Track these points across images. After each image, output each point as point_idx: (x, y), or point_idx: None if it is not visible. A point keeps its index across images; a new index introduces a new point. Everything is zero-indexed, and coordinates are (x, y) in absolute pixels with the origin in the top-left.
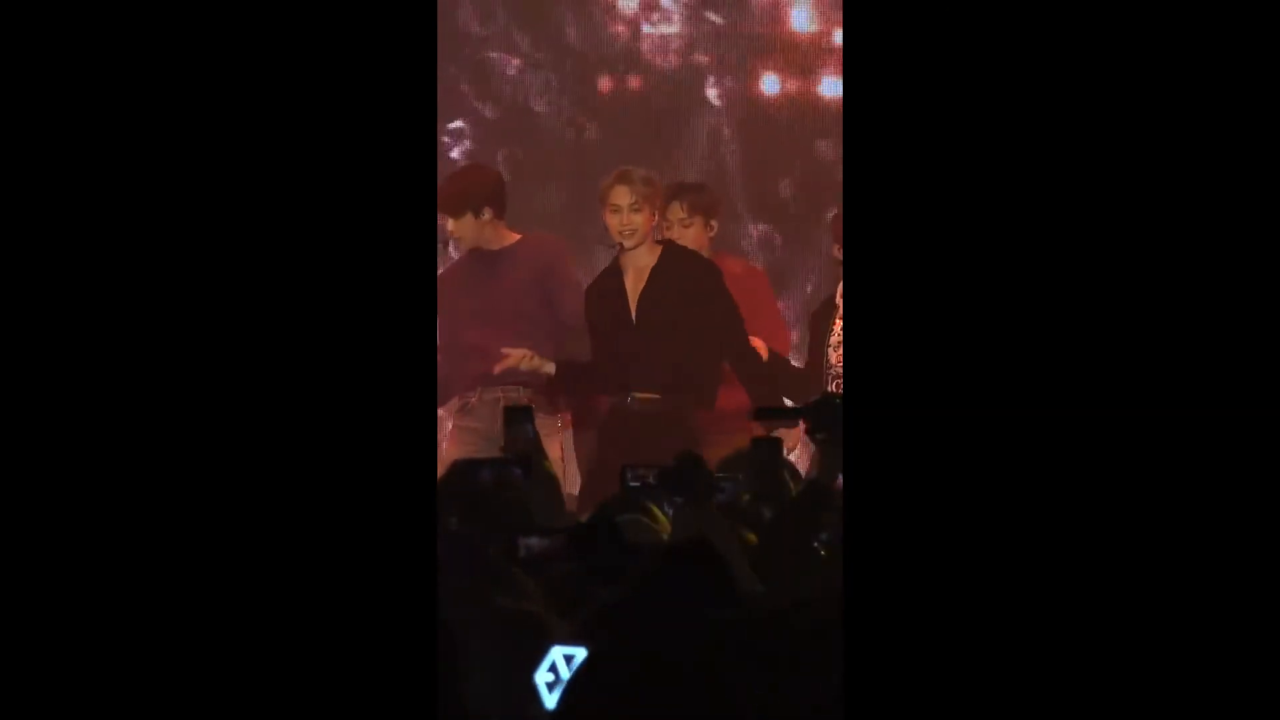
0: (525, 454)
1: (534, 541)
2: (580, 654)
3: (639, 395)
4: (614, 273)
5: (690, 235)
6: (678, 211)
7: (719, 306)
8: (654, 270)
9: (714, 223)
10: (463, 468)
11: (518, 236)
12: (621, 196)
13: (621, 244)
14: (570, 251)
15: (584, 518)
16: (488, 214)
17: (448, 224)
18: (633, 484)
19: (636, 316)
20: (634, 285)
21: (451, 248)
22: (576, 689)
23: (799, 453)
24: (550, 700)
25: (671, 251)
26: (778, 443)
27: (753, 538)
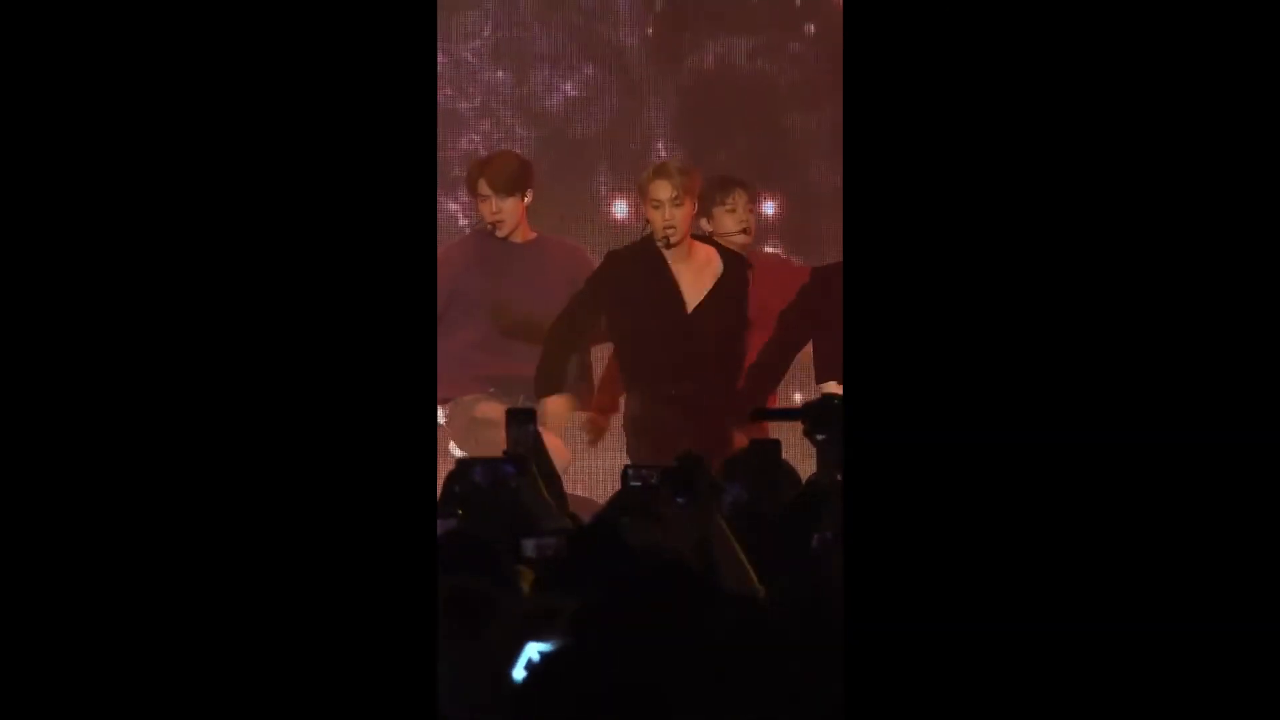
0: (522, 454)
1: (534, 542)
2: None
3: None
4: (658, 260)
5: (733, 220)
6: (742, 196)
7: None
8: (719, 282)
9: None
10: (458, 467)
11: (534, 234)
12: (662, 191)
13: (668, 238)
14: (589, 260)
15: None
16: (529, 197)
17: (490, 204)
18: (634, 484)
19: (693, 311)
20: (690, 283)
21: (471, 226)
22: (570, 689)
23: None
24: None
25: (733, 263)
26: (777, 444)
27: (751, 535)
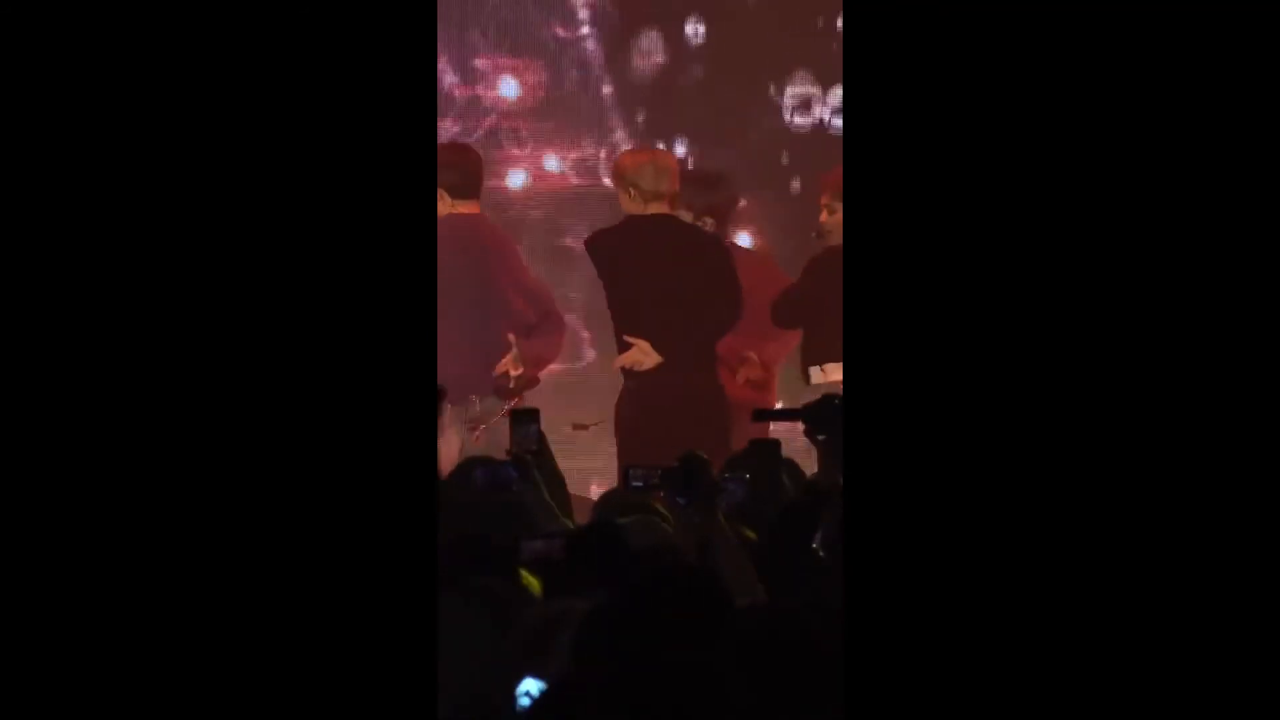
0: (522, 455)
1: (536, 544)
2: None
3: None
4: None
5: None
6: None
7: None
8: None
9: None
10: (459, 468)
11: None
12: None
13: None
14: (501, 226)
15: (588, 520)
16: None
17: None
18: (635, 484)
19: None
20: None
21: None
22: (566, 701)
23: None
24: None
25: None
26: (776, 444)
27: (752, 535)
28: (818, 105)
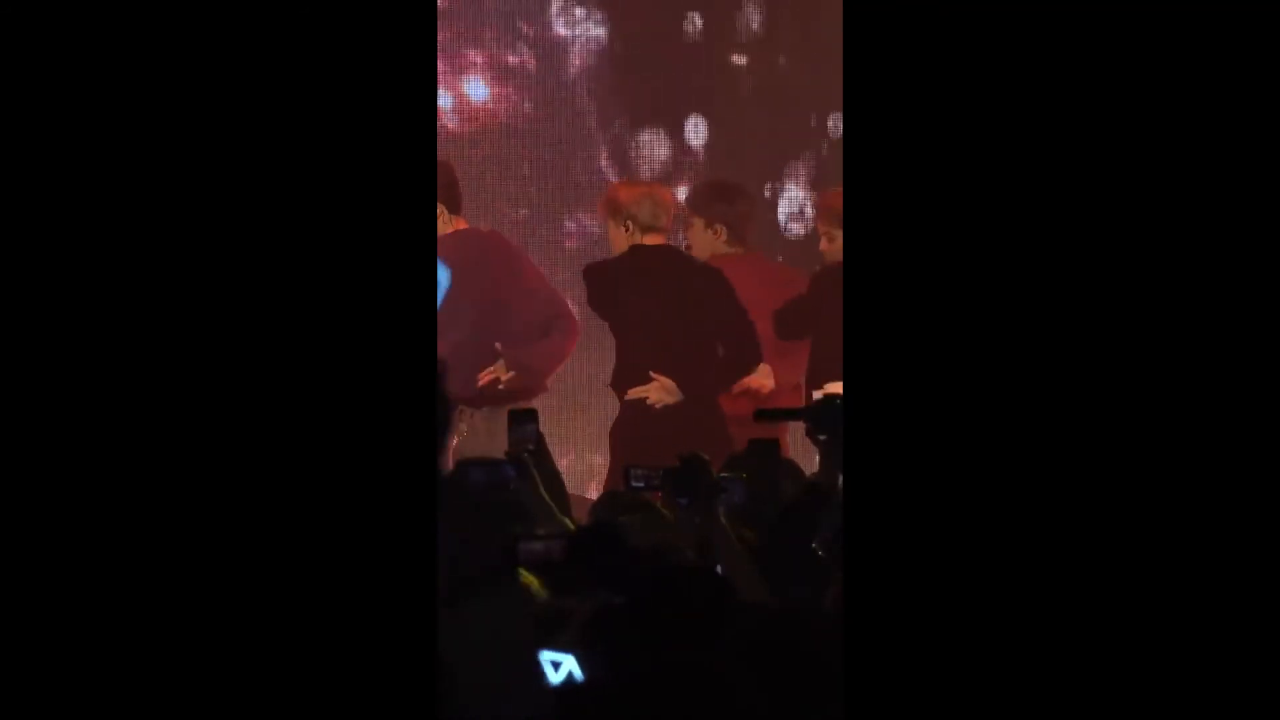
0: (520, 455)
1: (535, 545)
2: (567, 660)
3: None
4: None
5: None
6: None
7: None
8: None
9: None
10: (457, 468)
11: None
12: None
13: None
14: (511, 239)
15: (586, 520)
16: None
17: None
18: (635, 484)
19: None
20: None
21: None
22: (573, 693)
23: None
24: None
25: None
26: (775, 444)
27: (752, 535)
28: (811, 213)
